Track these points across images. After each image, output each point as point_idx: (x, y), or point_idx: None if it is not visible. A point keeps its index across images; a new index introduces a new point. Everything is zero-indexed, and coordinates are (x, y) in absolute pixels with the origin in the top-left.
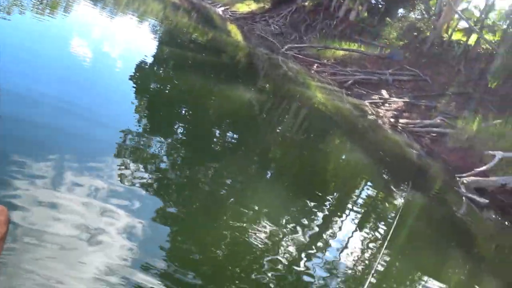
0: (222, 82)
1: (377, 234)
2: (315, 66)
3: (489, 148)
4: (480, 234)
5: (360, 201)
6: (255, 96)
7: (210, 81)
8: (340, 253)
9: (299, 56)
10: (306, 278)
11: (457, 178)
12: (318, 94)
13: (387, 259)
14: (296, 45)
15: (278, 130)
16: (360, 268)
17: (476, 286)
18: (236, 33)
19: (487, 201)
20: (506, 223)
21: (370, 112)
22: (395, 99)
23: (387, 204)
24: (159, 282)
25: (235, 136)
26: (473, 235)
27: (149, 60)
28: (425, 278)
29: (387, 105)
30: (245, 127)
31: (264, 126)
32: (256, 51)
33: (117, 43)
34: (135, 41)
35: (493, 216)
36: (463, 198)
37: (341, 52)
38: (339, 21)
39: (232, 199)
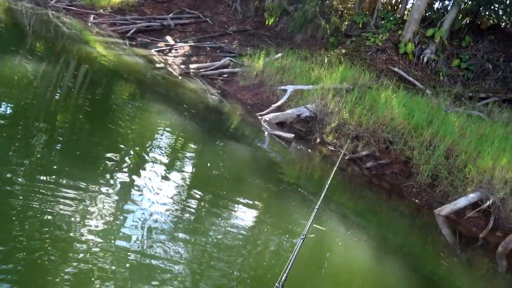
0: None
1: (198, 185)
2: (91, 18)
3: (277, 81)
4: (286, 163)
5: (173, 158)
6: (25, 60)
7: None
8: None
9: (72, 8)
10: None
11: (259, 117)
12: (100, 48)
13: (215, 206)
14: None
15: (58, 97)
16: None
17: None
18: None
19: (292, 135)
20: (310, 150)
21: (159, 61)
22: (180, 44)
23: (202, 157)
24: None
25: (5, 110)
26: (281, 165)
27: None
28: (244, 209)
29: (174, 51)
30: (19, 98)
31: (42, 92)
32: (19, 6)
33: None
34: None
35: (297, 146)
36: (270, 136)
37: (117, 0)
38: None
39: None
